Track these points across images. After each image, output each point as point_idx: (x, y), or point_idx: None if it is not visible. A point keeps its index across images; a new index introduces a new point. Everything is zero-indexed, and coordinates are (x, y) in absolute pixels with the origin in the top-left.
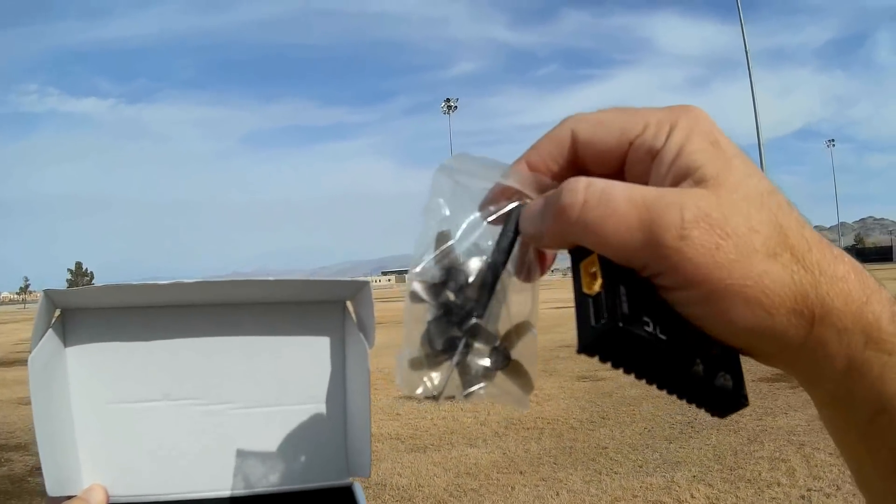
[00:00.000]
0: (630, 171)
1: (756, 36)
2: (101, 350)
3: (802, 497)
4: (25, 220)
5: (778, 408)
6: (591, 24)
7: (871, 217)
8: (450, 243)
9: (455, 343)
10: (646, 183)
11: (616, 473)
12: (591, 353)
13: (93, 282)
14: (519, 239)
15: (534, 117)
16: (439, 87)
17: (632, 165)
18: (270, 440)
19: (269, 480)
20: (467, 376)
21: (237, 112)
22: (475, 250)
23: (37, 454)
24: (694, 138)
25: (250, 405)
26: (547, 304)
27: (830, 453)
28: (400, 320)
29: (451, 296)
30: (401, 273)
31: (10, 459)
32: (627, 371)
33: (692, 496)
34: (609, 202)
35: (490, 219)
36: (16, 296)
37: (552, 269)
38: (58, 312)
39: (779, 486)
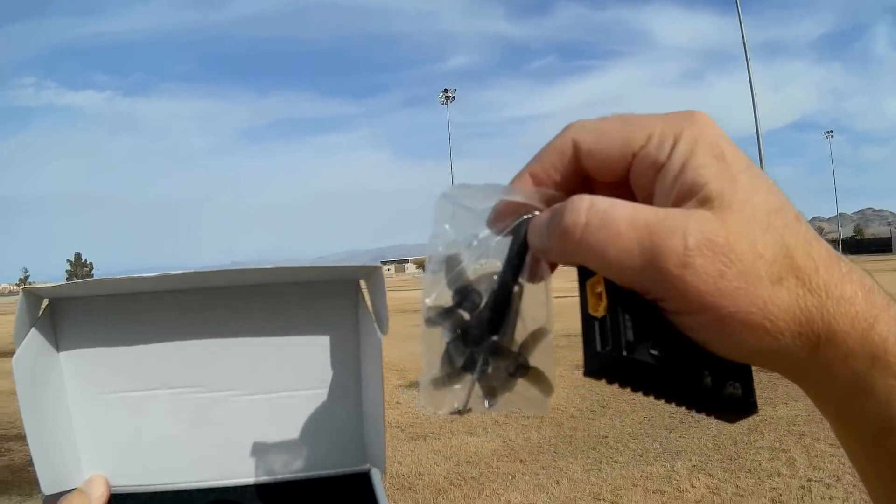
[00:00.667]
0: (635, 182)
1: (751, 29)
2: (95, 340)
3: (803, 487)
4: (24, 215)
5: (778, 398)
6: (587, 16)
7: (870, 208)
8: (460, 266)
9: (475, 359)
10: (651, 195)
11: (616, 462)
12: (597, 378)
13: (92, 272)
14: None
15: (529, 109)
16: (434, 80)
17: (636, 177)
18: (278, 427)
19: (277, 468)
20: (489, 389)
21: (234, 106)
22: (485, 268)
23: None
24: (698, 151)
25: (255, 392)
26: None
27: (831, 444)
28: (400, 309)
29: (466, 316)
30: (400, 262)
31: (9, 450)
32: (635, 391)
33: (692, 485)
34: (611, 225)
35: (498, 234)
36: (15, 286)
37: None
38: (45, 304)
39: (779, 476)
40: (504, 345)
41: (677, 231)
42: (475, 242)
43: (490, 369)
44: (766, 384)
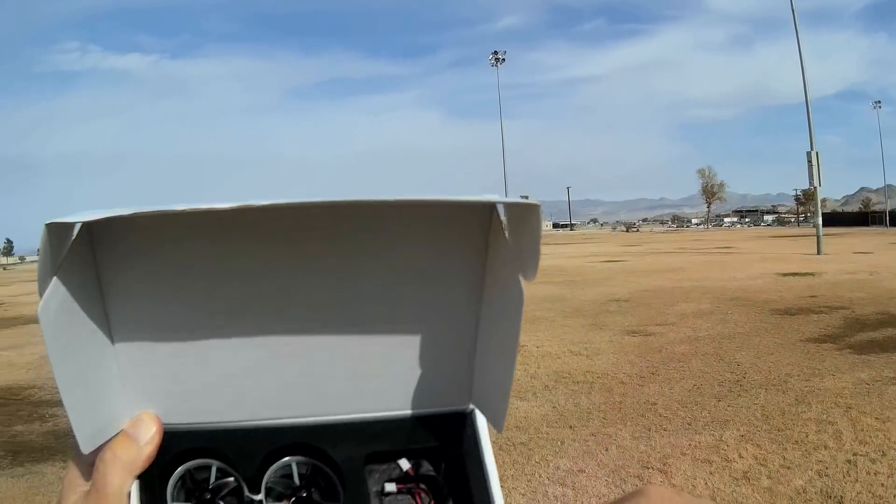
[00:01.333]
0: None
1: None
2: (147, 268)
3: (848, 461)
4: (46, 175)
5: (826, 369)
6: None
7: None
8: None
9: None
10: None
11: (665, 430)
12: None
13: None
14: None
15: (579, 71)
16: (482, 41)
17: None
18: (368, 364)
19: (367, 406)
20: None
21: (279, 66)
22: None
23: None
24: None
25: (343, 324)
26: (597, 257)
27: (877, 417)
28: None
29: None
30: None
31: (54, 415)
32: None
33: (740, 455)
34: None
35: None
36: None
37: (600, 222)
38: (77, 229)
39: (825, 448)
40: None
41: None
42: None
43: None
44: (814, 354)
